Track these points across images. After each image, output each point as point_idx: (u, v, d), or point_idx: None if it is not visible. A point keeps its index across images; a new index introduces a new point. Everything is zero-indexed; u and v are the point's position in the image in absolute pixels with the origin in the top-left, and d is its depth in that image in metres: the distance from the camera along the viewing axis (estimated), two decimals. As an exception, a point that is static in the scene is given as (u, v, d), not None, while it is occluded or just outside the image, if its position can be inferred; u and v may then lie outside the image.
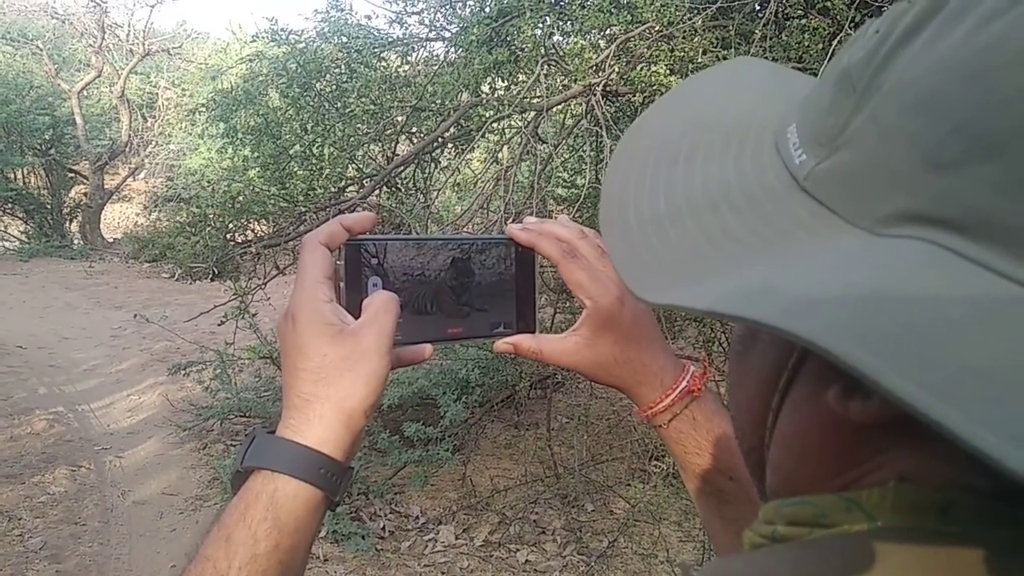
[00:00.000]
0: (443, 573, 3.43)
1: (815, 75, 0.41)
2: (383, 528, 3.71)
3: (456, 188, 4.52)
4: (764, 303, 0.29)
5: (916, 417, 0.25)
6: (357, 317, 0.62)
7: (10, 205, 12.32)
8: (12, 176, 12.13)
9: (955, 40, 0.30)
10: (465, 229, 3.87)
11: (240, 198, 4.38)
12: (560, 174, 4.39)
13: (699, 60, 2.72)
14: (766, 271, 0.32)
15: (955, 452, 0.32)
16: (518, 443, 4.50)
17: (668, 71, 2.74)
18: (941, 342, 0.26)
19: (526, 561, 3.53)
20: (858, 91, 0.33)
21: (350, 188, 4.45)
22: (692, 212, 0.38)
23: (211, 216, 4.53)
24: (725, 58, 2.71)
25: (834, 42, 2.59)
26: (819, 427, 0.37)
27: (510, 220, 3.18)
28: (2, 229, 12.31)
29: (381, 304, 0.62)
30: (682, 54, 2.75)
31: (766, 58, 2.75)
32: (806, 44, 2.66)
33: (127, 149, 13.28)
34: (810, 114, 0.36)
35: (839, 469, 0.36)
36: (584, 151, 3.81)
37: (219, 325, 4.22)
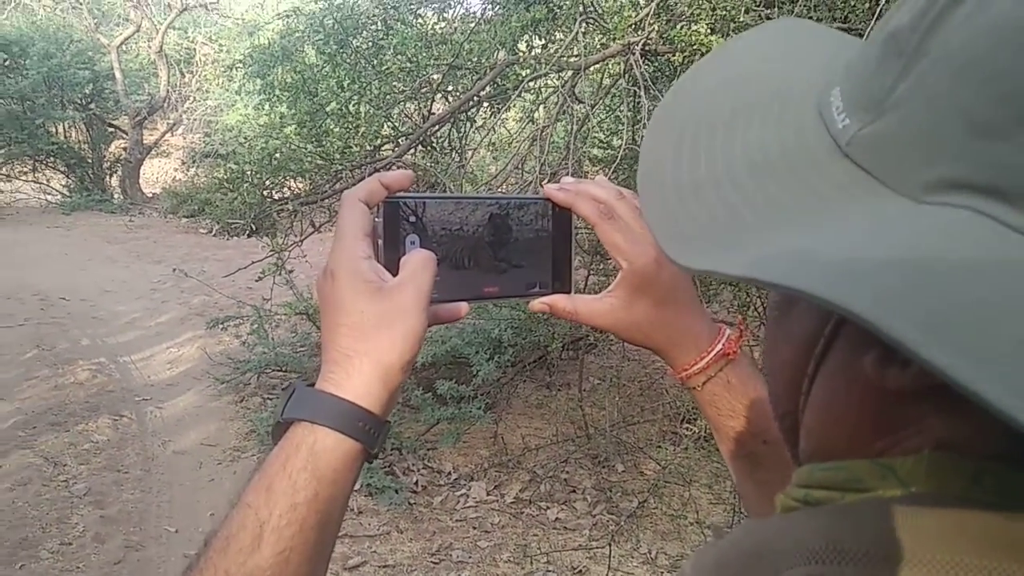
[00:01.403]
0: (474, 528, 3.49)
1: (861, 36, 0.40)
2: (416, 483, 3.77)
3: (491, 148, 4.49)
4: (803, 271, 0.29)
5: (955, 388, 0.25)
6: (395, 274, 0.62)
7: (52, 159, 12.47)
8: (54, 130, 12.28)
9: (1005, 6, 0.29)
10: (500, 189, 3.86)
11: (277, 155, 4.40)
12: (596, 135, 4.35)
13: (741, 19, 2.66)
14: (806, 238, 0.32)
15: (991, 422, 0.32)
16: (549, 403, 4.53)
17: (709, 30, 2.69)
18: (981, 313, 0.26)
19: (556, 519, 3.58)
20: (905, 55, 0.32)
21: (386, 146, 4.44)
22: (731, 178, 0.37)
23: (248, 173, 4.56)
24: (768, 17, 2.65)
25: (881, 1, 2.52)
26: (855, 393, 0.37)
27: (545, 181, 3.16)
28: (44, 182, 12.51)
29: (419, 262, 0.63)
30: (724, 12, 2.69)
31: (810, 17, 2.69)
32: (852, 3, 2.59)
33: (165, 104, 13.37)
34: (855, 78, 0.36)
35: (874, 436, 0.36)
36: (621, 111, 3.76)
37: (256, 281, 4.28)
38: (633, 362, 4.58)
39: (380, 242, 0.65)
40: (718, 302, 3.95)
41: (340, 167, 4.21)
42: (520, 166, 3.82)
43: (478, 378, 3.73)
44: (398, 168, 4.38)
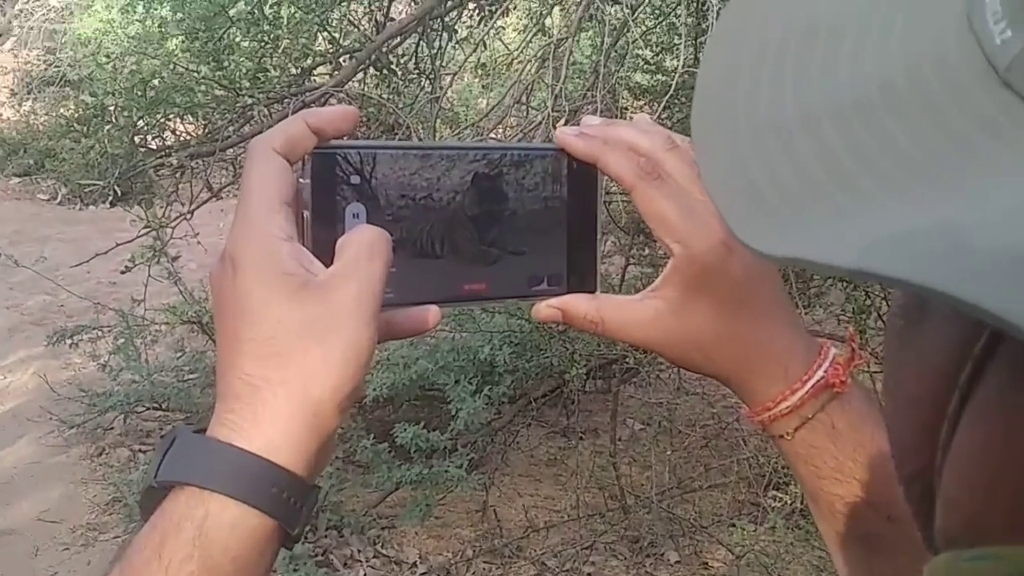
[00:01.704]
0: (451, 648, 3.49)
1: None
2: (363, 579, 3.78)
3: (480, 71, 4.50)
4: (941, 258, 0.29)
5: None
6: (328, 263, 0.63)
7: None
8: None
9: None
10: (493, 136, 3.86)
11: (155, 82, 4.40)
12: (640, 51, 4.35)
13: None
14: (944, 206, 0.32)
15: None
16: (567, 459, 4.53)
17: None
18: None
19: (575, 634, 3.59)
20: None
21: (320, 70, 4.45)
22: (834, 116, 0.37)
23: (112, 109, 4.56)
24: None
25: None
26: (1017, 445, 0.37)
27: (561, 122, 3.16)
28: None
29: (364, 244, 0.63)
30: None
31: None
32: None
33: (-14, 5, 13.36)
34: None
35: None
36: (678, 16, 3.76)
37: (123, 273, 4.28)
38: (693, 397, 4.57)
39: (307, 215, 0.65)
40: (822, 305, 3.95)
41: (251, 100, 4.20)
42: (524, 99, 3.82)
43: (458, 421, 3.73)
44: (337, 103, 4.38)
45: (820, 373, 0.70)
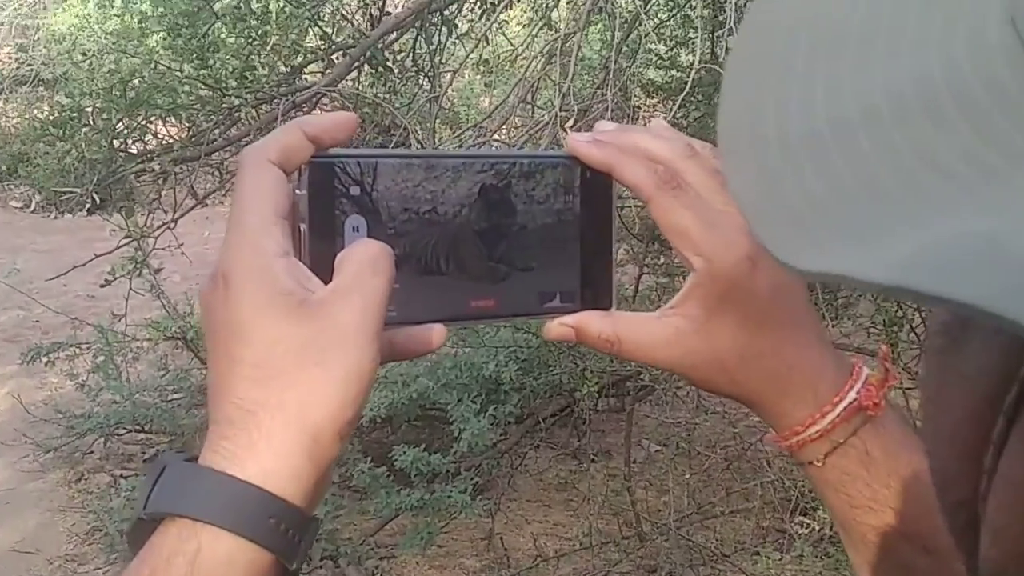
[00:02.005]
0: None
1: None
2: (361, 613, 3.77)
3: (483, 69, 4.50)
4: (984, 275, 0.29)
5: None
6: (327, 280, 0.63)
7: None
8: None
9: None
10: (496, 139, 3.85)
11: (135, 82, 4.40)
12: (653, 46, 4.35)
13: None
14: (988, 220, 0.32)
15: None
16: (578, 483, 4.52)
17: None
18: None
19: (588, 671, 3.58)
20: None
21: (311, 68, 4.45)
22: (869, 124, 0.37)
23: (89, 111, 4.56)
24: None
25: None
26: None
27: (570, 124, 3.16)
28: None
29: (366, 260, 0.63)
30: None
31: None
32: None
33: (-46, 0, 13.40)
34: None
35: None
36: (693, 7, 3.77)
37: (102, 286, 4.28)
38: (713, 416, 4.57)
39: (303, 228, 0.65)
40: (851, 317, 3.94)
41: (238, 101, 4.20)
42: (529, 98, 3.82)
43: (462, 443, 3.72)
44: (330, 103, 4.38)
45: (852, 395, 0.70)
